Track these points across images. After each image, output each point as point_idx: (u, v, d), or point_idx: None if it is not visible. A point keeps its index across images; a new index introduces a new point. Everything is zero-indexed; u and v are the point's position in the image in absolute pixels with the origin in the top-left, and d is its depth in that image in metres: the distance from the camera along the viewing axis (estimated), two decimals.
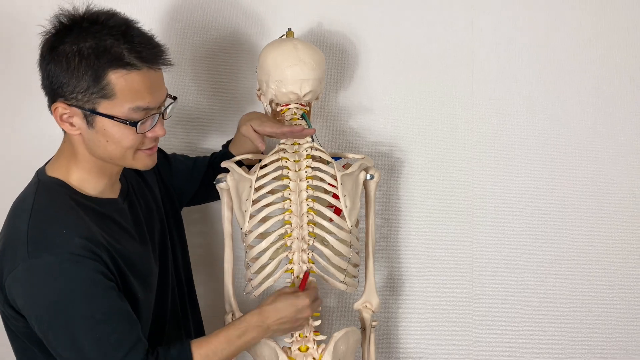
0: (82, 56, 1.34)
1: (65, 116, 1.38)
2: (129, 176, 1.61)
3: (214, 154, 1.83)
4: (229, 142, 1.82)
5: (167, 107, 1.45)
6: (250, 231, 1.64)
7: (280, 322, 1.53)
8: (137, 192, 1.61)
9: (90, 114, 1.37)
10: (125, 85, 1.35)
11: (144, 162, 1.46)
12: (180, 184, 1.78)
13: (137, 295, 1.45)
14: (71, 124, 1.39)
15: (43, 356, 1.44)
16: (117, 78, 1.34)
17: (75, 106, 1.37)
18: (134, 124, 1.38)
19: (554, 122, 1.99)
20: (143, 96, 1.37)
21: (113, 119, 1.37)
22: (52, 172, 1.46)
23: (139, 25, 1.41)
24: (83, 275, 1.35)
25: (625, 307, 2.06)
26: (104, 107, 1.36)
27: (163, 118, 1.44)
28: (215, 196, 1.72)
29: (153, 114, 1.41)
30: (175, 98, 1.49)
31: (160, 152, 1.77)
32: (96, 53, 1.33)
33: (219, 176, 1.68)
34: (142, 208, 1.60)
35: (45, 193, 1.42)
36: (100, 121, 1.37)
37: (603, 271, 2.05)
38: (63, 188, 1.44)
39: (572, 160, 2.00)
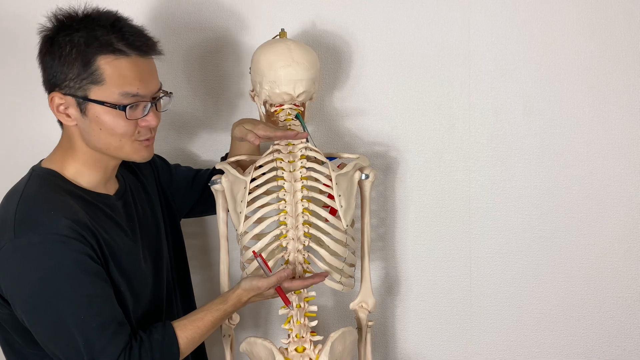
0: (73, 45, 1.39)
1: (61, 107, 1.43)
2: (128, 179, 1.62)
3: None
4: (227, 155, 1.81)
5: (161, 97, 1.48)
6: (246, 232, 1.63)
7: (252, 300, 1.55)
8: (134, 194, 1.62)
9: (83, 101, 1.40)
10: (113, 70, 1.39)
11: (141, 153, 1.48)
12: (180, 194, 1.78)
13: (119, 288, 1.45)
14: (67, 115, 1.43)
15: (27, 347, 1.45)
16: (105, 63, 1.39)
17: (69, 95, 1.41)
18: (123, 108, 1.40)
19: (551, 121, 1.99)
20: (132, 82, 1.40)
21: (103, 105, 1.40)
22: (47, 165, 1.49)
23: (129, 20, 1.46)
24: (68, 255, 1.35)
25: (623, 306, 2.06)
26: (94, 93, 1.40)
27: (157, 109, 1.47)
28: (215, 209, 1.71)
29: (144, 102, 1.43)
30: (170, 93, 1.51)
31: (162, 160, 1.78)
32: (86, 41, 1.39)
33: (214, 177, 1.68)
34: (138, 210, 1.60)
35: (37, 180, 1.45)
36: (93, 108, 1.41)
37: (600, 270, 2.05)
38: (55, 177, 1.46)
39: (569, 159, 2.00)
